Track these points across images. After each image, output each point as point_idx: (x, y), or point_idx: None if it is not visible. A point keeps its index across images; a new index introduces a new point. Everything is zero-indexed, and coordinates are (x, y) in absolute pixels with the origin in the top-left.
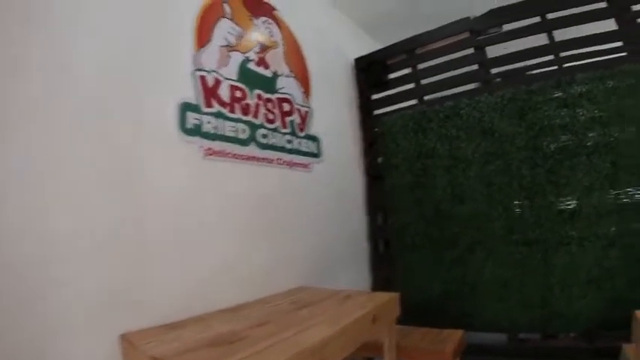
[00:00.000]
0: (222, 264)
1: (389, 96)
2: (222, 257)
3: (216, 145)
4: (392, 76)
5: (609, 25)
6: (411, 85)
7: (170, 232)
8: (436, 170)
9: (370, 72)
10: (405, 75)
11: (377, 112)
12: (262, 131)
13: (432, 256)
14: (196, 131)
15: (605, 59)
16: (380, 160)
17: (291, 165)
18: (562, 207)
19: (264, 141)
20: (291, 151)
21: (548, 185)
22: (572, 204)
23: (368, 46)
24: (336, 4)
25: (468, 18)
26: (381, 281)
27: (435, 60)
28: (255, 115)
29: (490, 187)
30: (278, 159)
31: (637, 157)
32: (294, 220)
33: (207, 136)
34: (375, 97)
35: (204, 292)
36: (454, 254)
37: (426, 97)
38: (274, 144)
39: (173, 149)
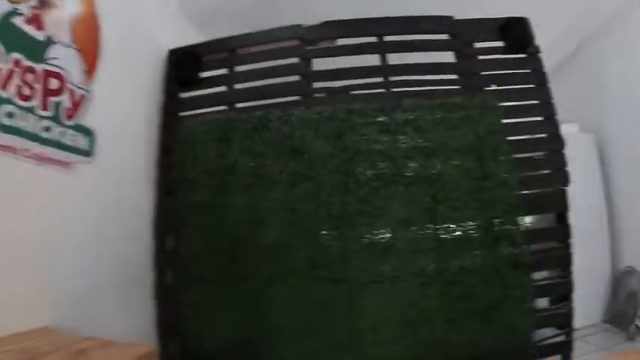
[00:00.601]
0: None
1: (199, 97)
2: None
3: None
4: (205, 74)
5: (447, 57)
6: (224, 88)
7: None
8: (235, 189)
9: (182, 67)
10: (220, 76)
11: (184, 114)
12: (8, 108)
13: (223, 291)
14: None
15: (437, 89)
16: (176, 172)
17: (42, 160)
18: (374, 240)
19: (7, 122)
20: (46, 142)
21: (359, 215)
22: (385, 237)
23: (191, 38)
24: None
25: (299, 25)
26: (166, 320)
27: (255, 64)
28: (4, 86)
29: (294, 213)
30: (25, 149)
31: (459, 192)
32: (47, 235)
33: None
34: (184, 96)
35: None
36: (249, 290)
37: (239, 105)
38: (23, 128)
39: None
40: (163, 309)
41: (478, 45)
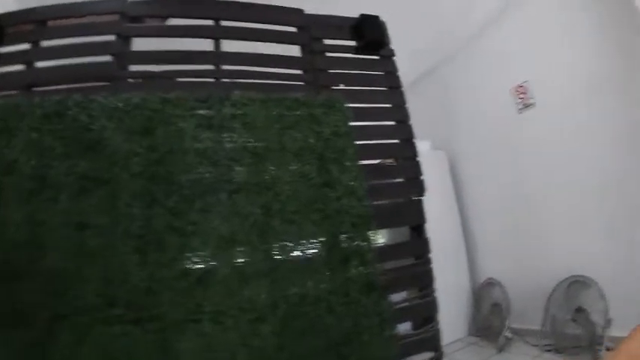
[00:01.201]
0: None
1: None
2: None
3: None
4: (4, 50)
5: (293, 51)
6: (23, 67)
7: None
8: (12, 196)
9: None
10: (20, 52)
11: None
12: None
13: None
14: None
15: (277, 84)
16: None
17: None
18: (189, 266)
19: None
20: None
21: (169, 233)
22: (203, 262)
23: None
24: None
25: None
26: None
27: (64, 40)
28: None
29: (83, 230)
30: None
31: (297, 202)
32: None
33: None
34: None
35: None
36: (29, 336)
37: (42, 88)
38: None
39: None
40: None
41: (329, 42)
